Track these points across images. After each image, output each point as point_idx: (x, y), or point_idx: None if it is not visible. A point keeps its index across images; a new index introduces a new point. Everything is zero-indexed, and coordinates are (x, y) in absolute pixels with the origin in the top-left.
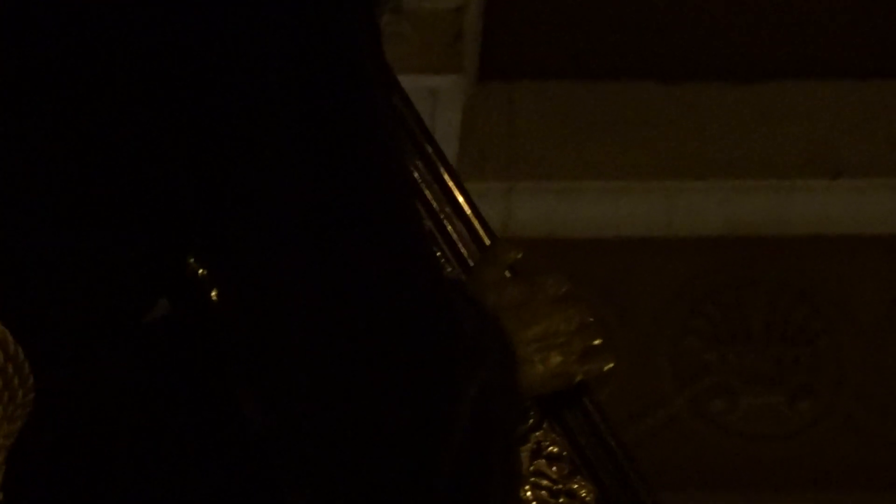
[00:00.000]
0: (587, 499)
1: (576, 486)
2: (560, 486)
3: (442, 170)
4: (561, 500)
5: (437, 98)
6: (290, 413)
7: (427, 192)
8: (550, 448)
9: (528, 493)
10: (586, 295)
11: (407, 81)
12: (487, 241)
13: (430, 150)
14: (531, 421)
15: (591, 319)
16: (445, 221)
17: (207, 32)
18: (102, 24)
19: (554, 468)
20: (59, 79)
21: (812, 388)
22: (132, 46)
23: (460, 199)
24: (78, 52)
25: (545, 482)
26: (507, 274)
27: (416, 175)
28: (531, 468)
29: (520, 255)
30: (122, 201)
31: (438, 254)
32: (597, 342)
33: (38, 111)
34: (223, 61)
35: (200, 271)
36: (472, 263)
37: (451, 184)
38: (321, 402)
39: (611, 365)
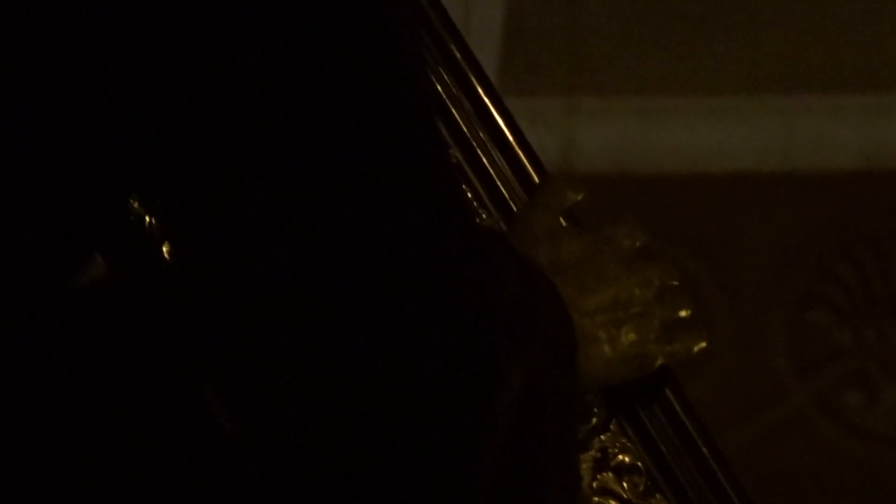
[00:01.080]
0: None
1: None
2: None
3: (474, 81)
4: None
5: None
6: (269, 421)
7: (455, 113)
8: (620, 457)
9: None
10: (671, 251)
11: None
12: (537, 178)
13: (458, 55)
14: (595, 421)
15: (677, 283)
16: (479, 151)
17: None
18: None
19: (625, 484)
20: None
21: None
22: None
23: (500, 121)
24: None
25: (613, 502)
26: (564, 222)
27: (439, 89)
28: (594, 484)
29: (580, 197)
30: (34, 117)
31: (470, 194)
32: (684, 314)
33: None
34: None
35: (148, 219)
36: (515, 208)
37: (487, 101)
38: (310, 410)
39: (702, 345)
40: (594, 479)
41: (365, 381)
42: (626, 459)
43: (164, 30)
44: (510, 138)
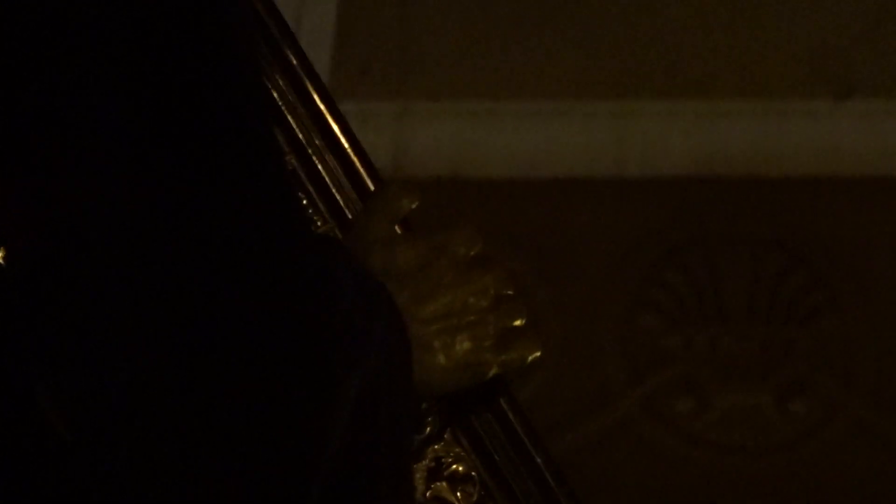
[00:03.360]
0: None
1: None
2: None
3: (309, 86)
4: None
5: None
6: (98, 421)
7: (290, 118)
8: (454, 466)
9: None
10: (505, 256)
11: None
12: (372, 185)
13: (294, 60)
14: (429, 430)
15: (511, 292)
16: (314, 157)
17: None
18: None
19: (459, 493)
20: None
21: (809, 384)
22: None
23: (335, 126)
24: None
25: None
26: (399, 229)
27: (275, 94)
28: (428, 493)
29: (416, 204)
30: None
31: (305, 201)
32: (518, 323)
33: None
34: None
35: None
36: (350, 215)
37: (322, 106)
38: (143, 409)
39: (536, 354)
40: (428, 488)
41: (190, 392)
42: (460, 468)
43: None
44: (345, 144)
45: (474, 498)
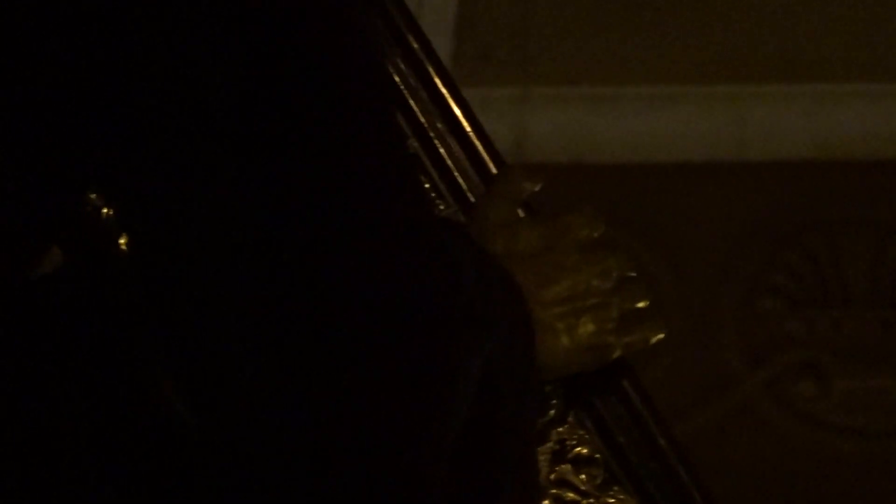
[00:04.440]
0: None
1: (612, 500)
2: (591, 501)
3: (432, 72)
4: None
5: None
6: (224, 404)
7: (412, 103)
8: (578, 449)
9: None
10: (626, 240)
11: None
12: (494, 169)
13: (416, 45)
14: (553, 412)
15: (634, 274)
16: (437, 142)
17: None
18: None
19: (583, 476)
20: None
21: None
22: None
23: (457, 111)
24: None
25: (571, 494)
26: (521, 212)
27: (397, 79)
28: (552, 476)
29: (538, 187)
30: None
31: (427, 185)
32: (641, 305)
33: None
34: None
35: (105, 210)
36: (473, 198)
37: (444, 91)
38: (267, 393)
39: (660, 336)
40: (552, 470)
41: (328, 363)
42: (584, 451)
43: (117, 28)
44: (467, 129)
45: (598, 480)
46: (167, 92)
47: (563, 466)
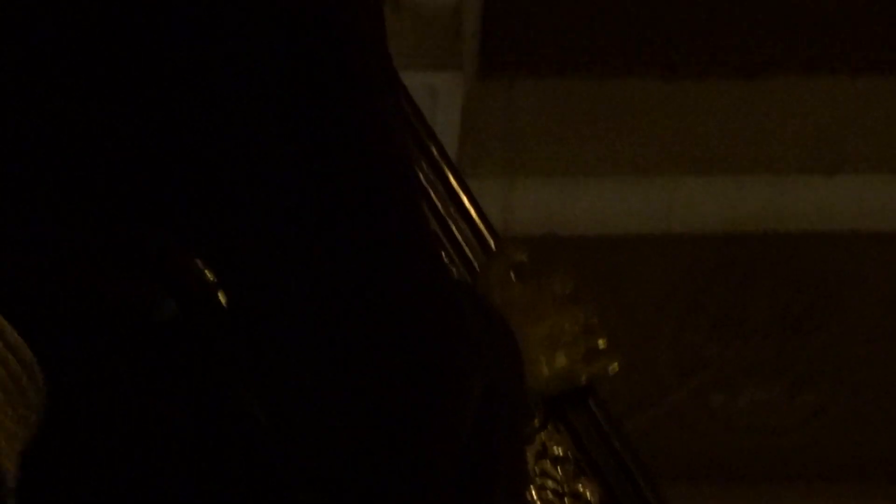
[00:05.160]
0: (592, 500)
1: (581, 487)
2: (565, 488)
3: (446, 170)
4: (566, 501)
5: (437, 95)
6: (293, 414)
7: (432, 193)
8: (555, 449)
9: (534, 494)
10: (588, 291)
11: (406, 78)
12: (492, 242)
13: (434, 149)
14: (537, 422)
15: (596, 320)
16: (450, 222)
17: (202, 28)
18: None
19: (559, 469)
20: (55, 76)
21: (812, 381)
22: (126, 42)
23: (464, 199)
24: (73, 49)
25: (550, 483)
26: (513, 274)
27: (420, 176)
28: (536, 469)
29: (525, 257)
30: (126, 201)
31: (444, 255)
32: (601, 343)
33: (38, 105)
34: (220, 58)
35: (208, 273)
36: (477, 264)
37: (455, 184)
38: (324, 402)
39: (615, 366)
40: (536, 464)
41: (368, 380)
42: (560, 451)
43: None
44: (472, 212)
45: (570, 473)
46: (253, 193)
47: (544, 462)
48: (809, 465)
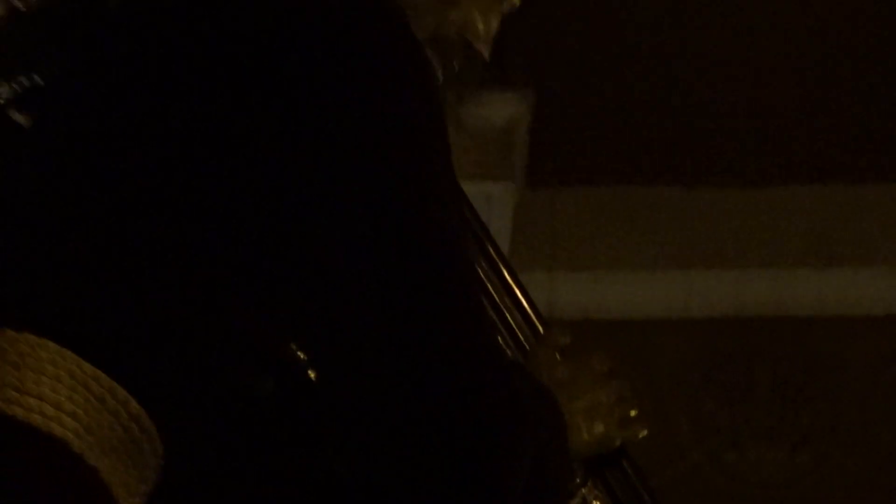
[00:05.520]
0: None
1: None
2: None
3: (501, 266)
4: None
5: (492, 202)
6: (374, 479)
7: (489, 286)
8: (595, 502)
9: None
10: (623, 370)
11: (466, 188)
12: (540, 327)
13: (490, 248)
14: (578, 479)
15: (629, 392)
16: (505, 312)
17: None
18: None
19: None
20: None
21: (809, 442)
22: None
23: (516, 291)
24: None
25: None
26: (558, 355)
27: (479, 271)
28: None
29: (569, 340)
30: (240, 292)
31: (501, 340)
32: (633, 413)
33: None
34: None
35: (301, 355)
36: (528, 347)
37: (508, 278)
38: (401, 461)
39: (645, 432)
40: None
41: (440, 440)
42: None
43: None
44: (522, 301)
45: None
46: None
47: None
48: None
